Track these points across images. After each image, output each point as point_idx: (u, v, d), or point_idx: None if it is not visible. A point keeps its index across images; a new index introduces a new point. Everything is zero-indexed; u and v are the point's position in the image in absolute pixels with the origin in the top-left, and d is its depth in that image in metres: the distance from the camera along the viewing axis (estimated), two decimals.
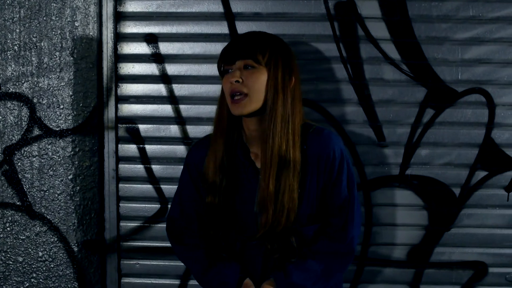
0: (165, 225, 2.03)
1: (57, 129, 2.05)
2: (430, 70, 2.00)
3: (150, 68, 2.05)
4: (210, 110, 2.03)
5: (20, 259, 2.10)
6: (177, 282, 2.11)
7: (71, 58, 2.03)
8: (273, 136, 1.36)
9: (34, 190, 2.07)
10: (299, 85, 1.47)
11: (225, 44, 1.96)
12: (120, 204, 2.10)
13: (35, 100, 2.04)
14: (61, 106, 2.04)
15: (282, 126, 1.37)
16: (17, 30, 2.02)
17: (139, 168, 2.08)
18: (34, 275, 2.10)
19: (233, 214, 1.47)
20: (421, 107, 2.02)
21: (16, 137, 2.05)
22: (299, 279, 1.39)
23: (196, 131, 2.05)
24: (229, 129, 1.47)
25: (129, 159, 2.09)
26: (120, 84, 2.06)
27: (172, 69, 2.04)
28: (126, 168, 2.09)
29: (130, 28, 2.05)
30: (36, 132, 2.05)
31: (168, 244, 2.06)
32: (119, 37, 2.05)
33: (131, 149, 2.08)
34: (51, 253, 2.09)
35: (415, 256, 2.09)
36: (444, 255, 2.09)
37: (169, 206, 2.03)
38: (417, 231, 2.08)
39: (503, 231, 2.08)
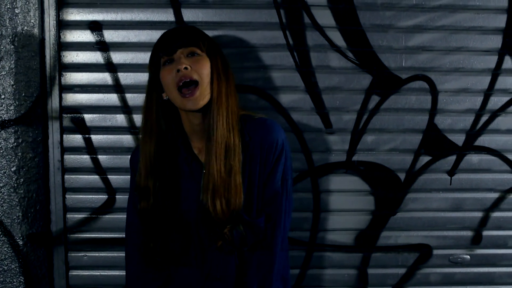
0: (113, 216, 2.07)
1: None
2: (375, 58, 2.04)
3: (95, 57, 2.01)
4: None
5: None
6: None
7: (12, 47, 1.96)
8: (221, 122, 1.35)
9: None
10: (233, 74, 1.46)
11: None
12: (66, 196, 2.06)
13: None
14: (2, 96, 1.97)
15: (226, 113, 1.37)
16: None
17: (85, 159, 2.04)
18: None
19: (170, 216, 1.45)
20: (367, 94, 2.05)
21: None
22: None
23: None
24: (159, 128, 1.43)
25: (75, 150, 2.04)
26: (64, 73, 2.01)
27: (117, 57, 2.01)
28: (71, 159, 2.05)
29: (73, 15, 1.99)
30: None
31: (116, 235, 2.07)
32: (62, 25, 2.00)
33: (76, 139, 2.04)
34: None
35: (362, 241, 2.13)
36: (391, 239, 2.14)
37: (117, 197, 2.06)
38: (364, 216, 2.12)
39: (446, 214, 2.15)
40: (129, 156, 2.00)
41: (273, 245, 1.44)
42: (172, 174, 1.44)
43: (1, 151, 1.99)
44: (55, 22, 1.98)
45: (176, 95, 1.35)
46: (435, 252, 2.16)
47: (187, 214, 1.45)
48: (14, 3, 1.95)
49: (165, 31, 1.42)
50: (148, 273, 1.53)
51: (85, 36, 2.00)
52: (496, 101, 2.09)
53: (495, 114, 2.10)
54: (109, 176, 2.05)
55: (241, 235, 1.41)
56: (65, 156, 2.04)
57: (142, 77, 2.01)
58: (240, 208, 1.39)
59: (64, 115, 2.03)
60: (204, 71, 1.35)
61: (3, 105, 1.98)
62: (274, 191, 1.43)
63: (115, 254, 2.08)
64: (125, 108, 2.02)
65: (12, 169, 2.00)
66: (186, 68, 1.34)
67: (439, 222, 2.14)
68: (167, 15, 1.99)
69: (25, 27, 1.96)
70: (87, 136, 2.04)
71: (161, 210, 1.43)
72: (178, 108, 1.43)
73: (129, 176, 1.98)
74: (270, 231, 1.44)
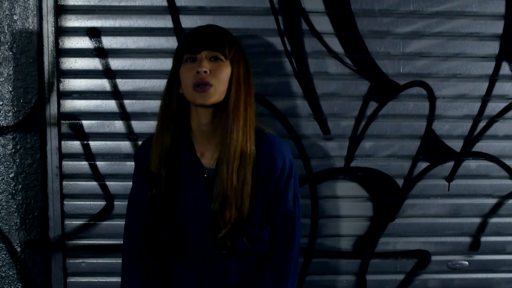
0: (111, 223, 2.06)
1: None
2: (373, 64, 2.04)
3: (93, 63, 2.01)
4: (155, 105, 2.01)
5: None
6: None
7: (10, 53, 1.97)
8: (236, 130, 1.36)
9: None
10: (253, 83, 1.47)
11: (170, 38, 2.00)
12: (64, 202, 2.05)
13: None
14: (0, 103, 1.98)
15: (243, 122, 1.38)
16: None
17: (83, 165, 2.04)
18: None
19: (174, 209, 1.46)
20: (365, 100, 2.06)
21: None
22: None
23: (141, 126, 2.03)
24: (177, 121, 1.44)
25: (73, 156, 2.04)
26: (62, 79, 2.01)
27: (115, 63, 2.01)
28: (70, 165, 2.04)
29: (72, 21, 2.00)
30: None
31: (114, 242, 2.07)
32: (60, 31, 2.00)
33: (74, 145, 2.04)
34: None
35: (361, 247, 2.13)
36: (389, 245, 2.14)
37: (115, 203, 2.05)
38: (362, 222, 2.12)
39: (444, 220, 2.15)
40: (128, 163, 2.03)
41: (287, 267, 1.45)
42: (178, 169, 1.45)
43: None
44: (53, 28, 1.98)
45: (190, 89, 1.36)
46: (434, 258, 2.16)
47: (186, 214, 1.45)
48: (13, 10, 1.96)
49: (197, 26, 1.44)
50: (146, 273, 1.52)
51: (84, 42, 2.00)
52: (494, 107, 2.10)
53: (492, 120, 2.10)
54: (107, 183, 2.05)
55: (242, 243, 1.42)
56: (64, 162, 2.04)
57: (140, 84, 2.01)
58: (245, 216, 1.40)
59: (63, 121, 2.02)
60: (222, 77, 1.36)
61: (1, 112, 1.98)
62: (288, 211, 1.45)
63: (113, 261, 2.07)
64: (124, 115, 2.02)
65: (10, 176, 2.00)
66: (205, 72, 1.34)
67: (437, 228, 2.14)
68: (165, 22, 2.00)
69: (24, 34, 1.97)
70: (85, 142, 2.03)
71: (169, 199, 1.44)
72: (190, 106, 1.44)
73: (127, 183, 2.01)
74: (284, 252, 1.45)
